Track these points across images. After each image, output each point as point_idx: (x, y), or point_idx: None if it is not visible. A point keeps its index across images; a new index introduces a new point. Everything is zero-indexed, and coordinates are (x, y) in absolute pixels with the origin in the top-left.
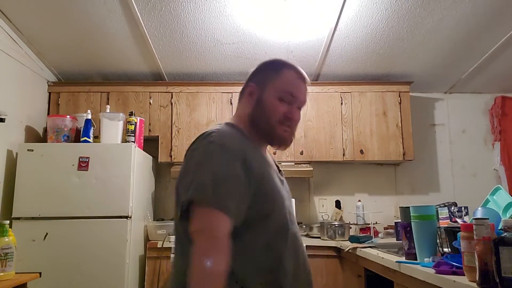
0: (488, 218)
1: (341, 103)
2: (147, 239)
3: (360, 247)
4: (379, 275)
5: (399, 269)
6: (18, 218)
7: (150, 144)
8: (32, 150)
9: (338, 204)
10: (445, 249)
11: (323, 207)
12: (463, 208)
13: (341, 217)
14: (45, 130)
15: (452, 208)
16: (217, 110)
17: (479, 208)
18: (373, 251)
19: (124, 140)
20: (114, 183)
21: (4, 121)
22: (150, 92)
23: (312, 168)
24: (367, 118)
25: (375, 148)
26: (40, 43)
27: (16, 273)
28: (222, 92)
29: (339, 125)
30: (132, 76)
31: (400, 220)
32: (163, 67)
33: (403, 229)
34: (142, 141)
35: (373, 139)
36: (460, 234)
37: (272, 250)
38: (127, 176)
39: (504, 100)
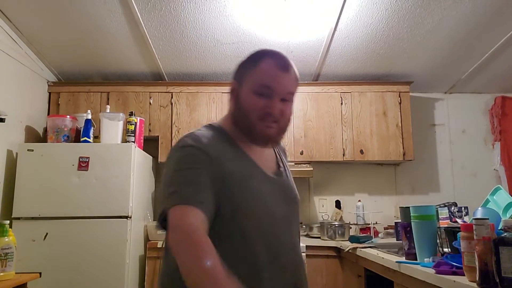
0: (488, 218)
1: (341, 103)
2: (147, 239)
3: (360, 247)
4: (379, 275)
5: (399, 269)
6: (18, 218)
7: (150, 144)
8: (32, 150)
9: (338, 204)
10: (445, 249)
11: (323, 207)
12: (463, 208)
13: (341, 217)
14: (45, 130)
15: (452, 208)
16: (217, 110)
17: (479, 208)
18: (373, 251)
19: (124, 140)
20: (114, 183)
21: (4, 121)
22: (150, 92)
23: (312, 168)
24: (367, 118)
25: (375, 148)
26: (40, 43)
27: (16, 273)
28: (222, 92)
29: (339, 125)
30: (132, 76)
31: (400, 220)
32: (163, 67)
33: (403, 229)
34: (142, 141)
35: (373, 139)
36: (460, 234)
37: (240, 254)
38: (127, 176)
39: (504, 100)
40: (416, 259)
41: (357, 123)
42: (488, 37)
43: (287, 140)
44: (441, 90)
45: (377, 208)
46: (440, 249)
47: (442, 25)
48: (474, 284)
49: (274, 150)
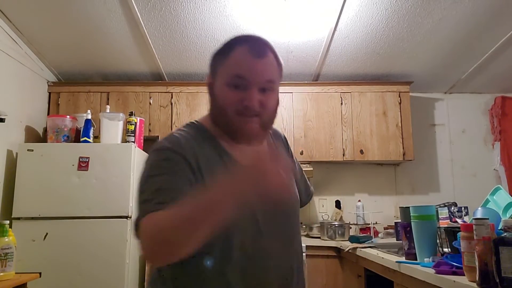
0: (488, 218)
1: (341, 103)
2: None
3: (360, 247)
4: (379, 275)
5: (399, 269)
6: (18, 218)
7: (150, 144)
8: (32, 150)
9: (338, 204)
10: (445, 249)
11: (323, 207)
12: (463, 208)
13: (341, 217)
14: (45, 130)
15: (452, 208)
16: None
17: (479, 208)
18: (373, 251)
19: (124, 140)
20: (114, 183)
21: (4, 121)
22: (150, 92)
23: (312, 168)
24: (367, 118)
25: (375, 148)
26: (40, 43)
27: (16, 273)
28: None
29: (339, 125)
30: (132, 76)
31: (400, 220)
32: (163, 67)
33: (403, 229)
34: (142, 141)
35: (373, 139)
36: (460, 234)
37: (217, 266)
38: (127, 176)
39: (504, 100)
40: (416, 259)
41: (357, 123)
42: (488, 37)
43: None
44: (441, 90)
45: (377, 208)
46: (440, 249)
47: (442, 25)
48: (474, 284)
49: (268, 144)
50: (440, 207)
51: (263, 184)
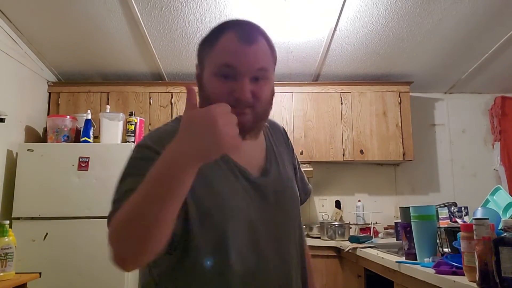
0: (488, 218)
1: (341, 103)
2: None
3: (360, 247)
4: (379, 275)
5: (399, 269)
6: (18, 218)
7: None
8: (32, 150)
9: (338, 204)
10: (445, 249)
11: (323, 207)
12: (463, 208)
13: (341, 217)
14: (45, 130)
15: (452, 208)
16: None
17: (479, 208)
18: (373, 251)
19: (124, 140)
20: (114, 183)
21: (4, 121)
22: (150, 92)
23: (312, 168)
24: (367, 118)
25: (375, 148)
26: (40, 43)
27: (16, 273)
28: None
29: (339, 125)
30: (132, 76)
31: (400, 220)
32: (163, 67)
33: (403, 229)
34: None
35: (373, 139)
36: (460, 234)
37: (209, 275)
38: None
39: (504, 100)
40: (416, 259)
41: (357, 123)
42: (488, 37)
43: None
44: (441, 90)
45: (377, 208)
46: (440, 249)
47: (442, 25)
48: (474, 284)
49: (265, 139)
50: (440, 207)
51: (212, 137)
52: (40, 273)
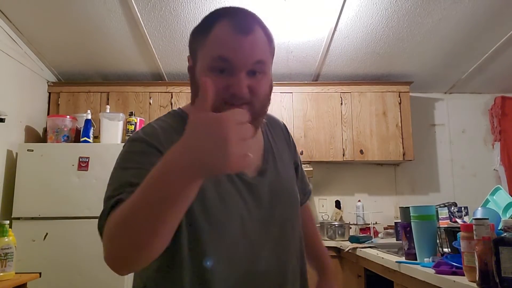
0: (488, 218)
1: (341, 103)
2: None
3: (360, 247)
4: (379, 275)
5: (399, 269)
6: (18, 218)
7: None
8: (32, 150)
9: (338, 204)
10: (445, 249)
11: (323, 207)
12: (463, 208)
13: (341, 217)
14: (45, 130)
15: (452, 208)
16: None
17: (479, 208)
18: (373, 251)
19: (124, 140)
20: None
21: (4, 121)
22: (150, 92)
23: (312, 168)
24: (367, 118)
25: (375, 148)
26: (40, 43)
27: (16, 273)
28: None
29: (339, 125)
30: (132, 76)
31: (400, 220)
32: (163, 67)
33: (403, 229)
34: None
35: (373, 139)
36: (460, 234)
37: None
38: None
39: (504, 100)
40: (416, 259)
41: (357, 123)
42: (488, 37)
43: None
44: (441, 90)
45: (377, 208)
46: (440, 249)
47: (442, 25)
48: (474, 284)
49: (263, 136)
50: (440, 207)
51: (221, 155)
52: (40, 273)
